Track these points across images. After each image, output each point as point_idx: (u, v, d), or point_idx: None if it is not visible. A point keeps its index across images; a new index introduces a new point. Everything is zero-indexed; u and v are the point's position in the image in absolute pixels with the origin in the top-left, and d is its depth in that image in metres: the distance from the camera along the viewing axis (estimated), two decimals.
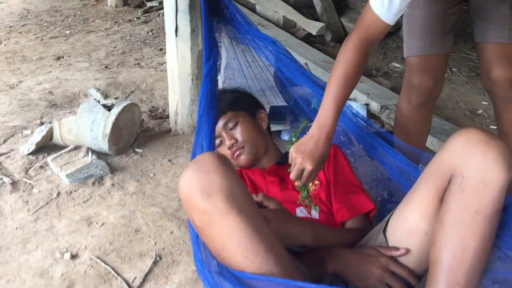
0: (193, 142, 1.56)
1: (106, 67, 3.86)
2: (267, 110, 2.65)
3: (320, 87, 1.82)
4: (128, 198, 2.18)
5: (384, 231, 1.35)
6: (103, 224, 2.02)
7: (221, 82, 3.04)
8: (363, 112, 2.94)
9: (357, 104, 2.99)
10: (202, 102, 1.68)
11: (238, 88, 1.96)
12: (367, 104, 2.92)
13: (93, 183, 2.28)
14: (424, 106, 1.93)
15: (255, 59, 2.18)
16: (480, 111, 3.31)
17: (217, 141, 1.79)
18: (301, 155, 1.44)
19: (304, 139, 1.49)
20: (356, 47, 1.48)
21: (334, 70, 1.53)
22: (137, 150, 2.59)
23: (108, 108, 2.47)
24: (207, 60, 1.83)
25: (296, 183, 1.60)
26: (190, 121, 2.73)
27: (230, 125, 1.77)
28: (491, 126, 3.06)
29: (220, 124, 1.77)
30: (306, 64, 3.53)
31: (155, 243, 1.91)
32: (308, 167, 1.43)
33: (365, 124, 1.81)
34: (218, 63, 1.90)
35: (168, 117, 2.94)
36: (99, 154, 2.48)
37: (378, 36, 1.51)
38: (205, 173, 1.08)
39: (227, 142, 1.75)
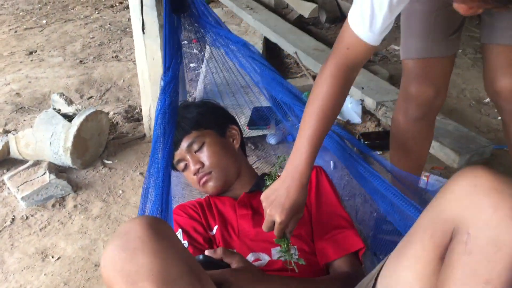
0: (145, 178, 1.30)
1: (81, 61, 3.57)
2: (250, 112, 2.39)
3: (298, 99, 1.55)
4: (91, 224, 1.93)
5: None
6: (59, 258, 1.78)
7: (203, 77, 2.79)
8: (357, 109, 2.66)
9: (351, 99, 2.71)
10: (158, 123, 1.42)
11: (205, 101, 1.69)
12: (361, 100, 2.63)
13: (53, 205, 2.03)
14: (424, 120, 1.64)
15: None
16: (487, 100, 3.02)
17: (181, 165, 1.53)
18: (270, 204, 1.20)
19: (275, 185, 1.23)
20: (334, 76, 1.21)
21: (309, 104, 1.25)
22: (106, 162, 2.33)
23: (70, 118, 2.20)
24: (166, 71, 1.57)
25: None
26: None
27: (195, 146, 1.50)
28: (499, 118, 2.78)
29: (184, 145, 1.50)
30: (296, 53, 3.24)
31: None
32: (278, 219, 1.18)
33: (353, 148, 1.54)
34: (178, 72, 1.62)
35: None
36: (62, 169, 2.23)
37: (360, 60, 1.25)
38: (131, 253, 0.82)
39: (192, 167, 1.49)
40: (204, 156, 1.50)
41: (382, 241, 1.65)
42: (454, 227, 0.92)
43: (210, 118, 1.57)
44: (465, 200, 0.91)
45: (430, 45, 1.54)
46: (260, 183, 1.51)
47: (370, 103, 2.49)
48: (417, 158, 1.74)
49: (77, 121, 2.15)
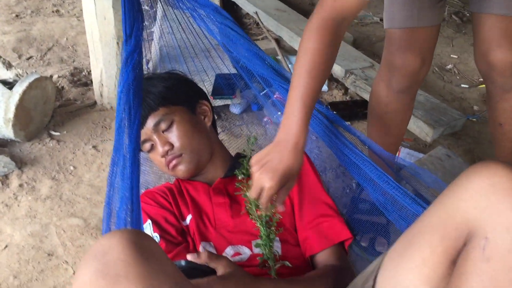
0: (109, 170, 1.12)
1: (17, 16, 3.21)
2: (212, 79, 2.21)
3: (278, 73, 1.40)
4: (40, 206, 1.74)
5: None
6: (6, 246, 1.58)
7: (157, 38, 2.56)
8: None
9: None
10: (122, 102, 1.24)
11: (171, 72, 1.50)
12: None
13: None
14: (408, 92, 1.55)
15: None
16: (449, 66, 2.99)
17: (147, 145, 1.35)
18: (260, 168, 1.08)
19: (267, 148, 1.12)
20: (320, 29, 1.12)
21: (297, 61, 1.15)
22: (54, 133, 2.10)
23: (10, 85, 1.95)
24: (128, 38, 1.36)
25: (250, 215, 1.22)
26: None
27: (163, 125, 1.32)
28: (462, 85, 2.76)
29: (150, 124, 1.32)
30: (256, 13, 3.05)
31: (74, 272, 1.50)
32: (267, 184, 1.06)
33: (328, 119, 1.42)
34: (141, 39, 1.42)
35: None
36: (3, 143, 2.00)
37: (348, 14, 1.15)
38: (113, 281, 0.67)
39: (160, 149, 1.32)
40: (174, 136, 1.32)
41: (359, 221, 1.58)
42: (469, 230, 0.84)
43: (179, 93, 1.39)
44: (481, 201, 0.82)
45: (416, 14, 1.43)
46: (235, 165, 1.37)
47: (337, 70, 2.38)
48: (397, 132, 1.66)
49: (19, 89, 1.90)
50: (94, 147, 2.04)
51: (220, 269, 0.98)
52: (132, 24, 1.36)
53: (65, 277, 1.49)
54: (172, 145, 1.32)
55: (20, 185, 1.82)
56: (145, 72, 1.68)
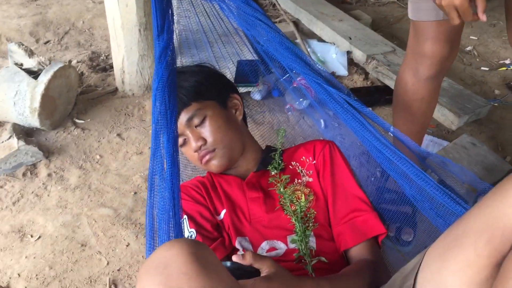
0: (149, 169, 1.13)
1: None
2: (234, 66, 2.20)
3: (313, 70, 1.39)
4: (70, 195, 1.76)
5: None
6: (39, 237, 1.61)
7: (175, 21, 2.54)
8: (343, 60, 2.53)
9: (336, 49, 2.56)
10: (158, 100, 1.23)
11: (202, 65, 1.49)
12: (349, 52, 2.49)
13: (24, 174, 1.83)
14: (436, 79, 1.54)
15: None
16: (468, 48, 2.96)
17: (180, 140, 1.35)
18: None
19: None
20: None
21: None
22: (78, 121, 2.11)
23: (34, 74, 1.95)
24: (160, 33, 1.35)
25: (285, 210, 1.24)
26: (140, 80, 2.25)
27: (196, 121, 1.33)
28: (482, 68, 2.73)
29: (182, 119, 1.33)
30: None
31: (107, 263, 1.54)
32: (457, 1, 1.14)
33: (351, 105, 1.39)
34: (173, 33, 1.41)
35: (112, 67, 2.43)
36: (29, 132, 2.01)
37: None
38: None
39: (193, 144, 1.32)
40: (207, 131, 1.33)
41: (385, 210, 1.59)
42: None
43: (211, 87, 1.39)
44: None
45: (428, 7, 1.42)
46: (266, 159, 1.38)
47: (359, 55, 2.36)
48: (423, 120, 1.66)
49: (44, 79, 1.90)
50: (118, 135, 2.05)
51: (265, 270, 1.00)
52: (164, 18, 1.35)
53: (99, 267, 1.52)
54: (205, 140, 1.32)
55: (49, 175, 1.84)
56: None
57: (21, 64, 2.00)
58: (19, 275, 1.48)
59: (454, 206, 1.12)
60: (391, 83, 2.18)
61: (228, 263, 0.99)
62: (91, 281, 1.47)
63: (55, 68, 1.94)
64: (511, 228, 0.85)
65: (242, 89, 2.19)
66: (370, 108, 2.30)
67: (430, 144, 2.09)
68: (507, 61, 2.77)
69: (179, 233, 1.06)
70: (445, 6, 1.17)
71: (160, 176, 1.10)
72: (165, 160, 1.12)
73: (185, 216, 1.27)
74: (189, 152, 1.36)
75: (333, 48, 2.57)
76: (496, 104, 2.34)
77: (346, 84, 2.46)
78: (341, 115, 1.34)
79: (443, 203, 1.15)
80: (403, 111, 1.65)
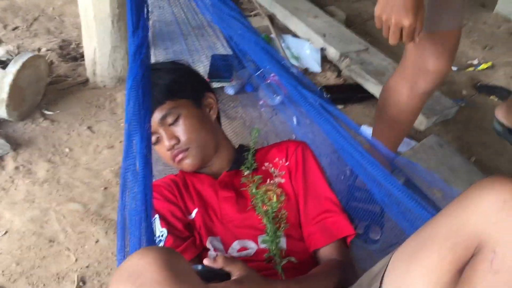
0: (121, 169, 1.12)
1: None
2: (208, 61, 2.19)
3: (287, 71, 1.40)
4: (38, 190, 1.73)
5: None
6: (6, 232, 1.58)
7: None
8: (317, 57, 2.54)
9: (310, 45, 2.57)
10: (131, 100, 1.22)
11: (177, 63, 1.48)
12: (323, 49, 2.51)
13: None
14: (431, 92, 1.56)
15: None
16: None
17: (153, 138, 1.34)
18: (391, 13, 1.17)
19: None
20: None
21: None
22: (47, 112, 2.07)
23: (2, 64, 1.90)
24: (135, 30, 1.33)
25: (257, 211, 1.26)
26: (112, 72, 2.22)
27: (170, 119, 1.32)
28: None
29: (156, 117, 1.32)
30: None
31: (76, 259, 1.52)
32: (406, 22, 1.17)
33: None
34: (148, 30, 1.39)
35: (83, 56, 2.38)
36: None
37: None
38: None
39: (167, 143, 1.32)
40: (180, 130, 1.32)
41: (354, 208, 1.62)
42: (479, 243, 0.88)
43: (185, 86, 1.38)
44: (492, 216, 0.86)
45: (460, 15, 1.43)
46: (240, 159, 1.39)
47: (332, 53, 2.38)
48: (407, 128, 1.69)
49: (12, 69, 1.85)
50: (89, 127, 2.02)
51: (235, 273, 1.01)
52: (139, 15, 1.33)
53: (67, 264, 1.50)
54: (178, 139, 1.32)
55: (16, 168, 1.80)
56: None
57: None
58: None
59: (420, 210, 1.16)
60: (362, 82, 2.21)
61: (199, 267, 1.00)
62: (59, 278, 1.46)
63: (25, 58, 1.89)
64: (474, 236, 0.89)
65: (216, 84, 2.18)
66: (342, 106, 2.34)
67: (403, 145, 2.13)
68: (475, 61, 2.83)
69: (150, 235, 1.06)
70: (394, 25, 1.17)
71: (133, 177, 1.10)
72: (137, 161, 1.12)
73: (156, 216, 1.27)
74: (162, 150, 1.36)
75: (308, 44, 2.58)
76: (463, 105, 2.39)
77: (319, 81, 2.48)
78: (314, 117, 1.36)
79: (410, 207, 1.18)
80: (391, 120, 1.63)
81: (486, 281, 0.87)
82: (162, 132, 1.32)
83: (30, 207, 1.66)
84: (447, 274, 0.93)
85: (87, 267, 1.50)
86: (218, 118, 1.49)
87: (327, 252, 1.27)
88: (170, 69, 1.42)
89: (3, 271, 1.46)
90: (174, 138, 1.32)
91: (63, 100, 2.15)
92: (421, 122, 1.98)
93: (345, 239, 1.30)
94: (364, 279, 1.13)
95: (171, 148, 1.32)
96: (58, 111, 2.08)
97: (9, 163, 1.81)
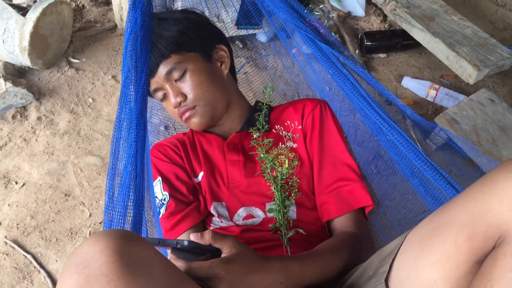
0: (114, 127, 1.04)
1: None
2: (237, 7, 2.04)
3: (303, 19, 1.24)
4: (58, 142, 1.70)
5: (387, 280, 0.94)
6: (24, 184, 1.58)
7: None
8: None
9: None
10: (128, 50, 1.12)
11: (187, 11, 1.35)
12: None
13: (14, 117, 1.78)
14: None
15: None
16: None
17: (159, 94, 1.25)
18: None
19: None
20: None
21: None
22: (73, 60, 2.02)
23: (24, 10, 1.84)
24: None
25: (265, 177, 1.15)
26: None
27: (176, 74, 1.21)
28: None
29: (161, 72, 1.21)
30: None
31: (90, 215, 1.50)
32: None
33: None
34: None
35: None
36: (22, 70, 1.93)
37: None
38: None
39: (172, 100, 1.22)
40: (187, 86, 1.21)
41: None
42: (501, 234, 0.74)
43: (194, 37, 1.25)
44: None
45: None
46: (253, 118, 1.27)
47: None
48: None
49: (32, 16, 1.79)
50: (113, 77, 1.96)
51: (225, 250, 0.92)
52: None
53: (81, 219, 1.49)
54: (185, 96, 1.21)
55: (38, 118, 1.78)
56: (159, 8, 1.55)
57: (10, 0, 1.89)
58: (0, 223, 1.46)
59: (444, 185, 1.02)
60: (408, 28, 1.99)
61: (186, 243, 0.92)
62: (71, 233, 1.45)
63: (45, 5, 1.82)
64: (496, 226, 0.75)
65: (244, 31, 2.04)
66: (385, 54, 2.14)
67: (445, 97, 1.94)
68: None
69: (138, 197, 0.98)
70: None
71: (127, 135, 1.02)
72: (131, 117, 1.04)
73: (159, 178, 1.20)
74: (169, 107, 1.26)
75: None
76: None
77: (362, 26, 2.27)
78: (332, 74, 1.21)
79: (433, 180, 1.04)
80: None
81: (507, 278, 0.74)
82: (168, 88, 1.22)
83: (49, 160, 1.64)
84: (464, 265, 0.81)
85: (100, 223, 1.47)
86: (232, 72, 1.36)
87: (341, 223, 1.16)
88: (177, 19, 1.29)
89: (17, 224, 1.46)
90: (180, 95, 1.21)
91: (90, 48, 2.09)
92: (470, 75, 1.76)
93: (363, 210, 1.18)
94: (375, 257, 1.02)
95: (178, 105, 1.22)
96: (84, 59, 2.03)
97: (32, 113, 1.79)
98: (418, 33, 1.96)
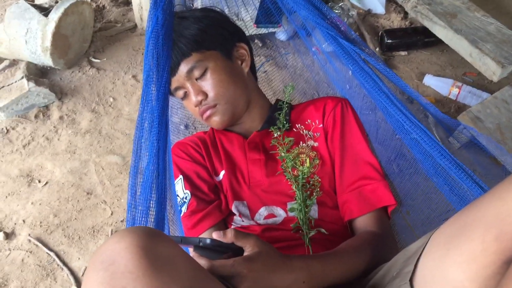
0: (136, 124, 1.04)
1: None
2: (257, 5, 2.03)
3: (324, 16, 1.23)
4: (80, 141, 1.72)
5: (411, 280, 0.93)
6: (46, 183, 1.59)
7: None
8: None
9: None
10: (149, 49, 1.12)
11: (207, 9, 1.35)
12: None
13: (36, 116, 1.80)
14: None
15: None
16: None
17: (180, 93, 1.25)
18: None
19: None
20: None
21: None
22: (94, 60, 2.04)
23: (46, 11, 1.86)
24: None
25: (286, 176, 1.14)
26: None
27: (197, 73, 1.21)
28: None
29: (182, 70, 1.21)
30: None
31: (112, 213, 1.51)
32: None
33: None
34: None
35: None
36: (44, 70, 1.96)
37: None
38: None
39: (193, 99, 1.22)
40: (208, 85, 1.21)
41: None
42: None
43: (214, 36, 1.25)
44: None
45: None
46: (273, 117, 1.27)
47: None
48: None
49: (54, 17, 1.81)
50: (133, 76, 1.97)
51: (248, 249, 0.92)
52: None
53: (103, 217, 1.50)
54: (206, 95, 1.21)
55: (60, 117, 1.80)
56: (179, 7, 1.55)
57: (33, 0, 1.92)
58: (24, 221, 1.48)
59: (470, 184, 1.00)
60: (430, 25, 1.96)
61: (208, 241, 0.92)
62: (94, 231, 1.46)
63: (66, 5, 1.84)
64: None
65: (264, 30, 2.04)
66: (406, 52, 2.11)
67: (468, 95, 1.91)
68: None
69: (161, 196, 0.99)
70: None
71: (149, 134, 1.03)
72: (153, 115, 1.04)
73: (180, 176, 1.20)
74: (190, 106, 1.26)
75: None
76: None
77: (382, 24, 2.25)
78: (354, 71, 1.20)
79: (459, 180, 1.02)
80: None
81: None
82: (189, 86, 1.22)
83: (71, 158, 1.66)
84: (491, 265, 0.79)
85: (121, 221, 1.48)
86: (252, 71, 1.36)
87: (363, 223, 1.15)
88: (197, 17, 1.29)
89: (41, 222, 1.48)
90: (201, 93, 1.21)
91: (111, 47, 2.10)
92: (494, 72, 1.73)
93: (386, 209, 1.17)
94: (399, 258, 1.00)
95: (199, 104, 1.22)
96: (105, 59, 2.04)
97: (54, 113, 1.81)
98: (440, 30, 1.93)
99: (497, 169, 1.32)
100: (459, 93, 1.90)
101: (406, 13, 2.24)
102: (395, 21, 2.24)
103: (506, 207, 0.76)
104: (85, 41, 2.04)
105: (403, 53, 2.10)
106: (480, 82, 2.00)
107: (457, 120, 1.64)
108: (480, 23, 1.93)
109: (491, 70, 1.76)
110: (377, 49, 2.10)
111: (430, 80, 1.98)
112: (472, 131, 1.17)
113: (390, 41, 2.08)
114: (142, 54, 2.07)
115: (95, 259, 0.66)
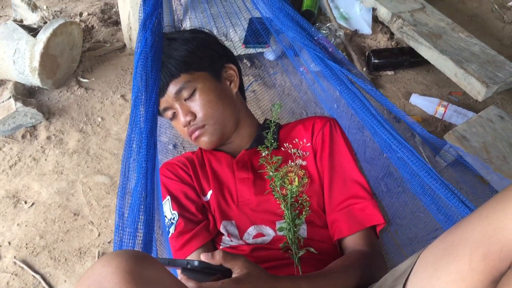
0: (123, 150, 1.04)
1: None
2: (245, 26, 2.06)
3: (311, 37, 1.25)
4: (67, 161, 1.71)
5: None
6: (33, 204, 1.58)
7: None
8: (367, 17, 2.33)
9: (361, 5, 2.36)
10: (138, 71, 1.13)
11: (196, 31, 1.36)
12: (374, 8, 2.29)
13: (23, 136, 1.79)
14: None
15: None
16: (510, 3, 2.69)
17: (169, 113, 1.26)
18: None
19: None
20: None
21: None
22: (82, 80, 2.04)
23: (34, 31, 1.86)
24: None
25: (275, 195, 1.15)
26: None
27: (185, 94, 1.21)
28: None
29: (171, 91, 1.22)
30: None
31: (99, 234, 1.49)
32: None
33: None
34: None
35: None
36: (32, 90, 1.95)
37: None
38: None
39: (182, 119, 1.22)
40: (196, 105, 1.22)
41: None
42: None
43: (203, 57, 1.26)
44: None
45: None
46: (262, 136, 1.27)
47: (383, 13, 2.16)
48: None
49: (43, 37, 1.81)
50: (122, 96, 1.97)
51: (236, 270, 0.92)
52: None
53: (90, 238, 1.48)
54: (194, 115, 1.22)
55: (48, 138, 1.79)
56: (168, 28, 1.56)
57: (21, 21, 1.92)
58: (9, 243, 1.46)
59: (457, 203, 1.00)
60: (416, 46, 2.00)
61: (196, 263, 0.91)
62: (80, 253, 1.44)
63: (55, 26, 1.84)
64: (511, 245, 0.74)
65: (253, 50, 2.05)
66: (392, 72, 2.14)
67: (453, 114, 1.93)
68: None
69: (148, 217, 0.98)
70: None
71: (137, 155, 1.03)
72: (141, 137, 1.04)
73: (168, 197, 1.20)
74: (178, 126, 1.27)
75: (358, 4, 2.37)
76: None
77: (369, 44, 2.28)
78: (341, 91, 1.21)
79: (445, 199, 1.02)
80: None
81: None
82: (177, 107, 1.23)
83: (58, 179, 1.64)
84: (479, 284, 0.79)
85: (109, 242, 1.47)
86: (241, 91, 1.37)
87: (352, 242, 1.15)
88: (186, 38, 1.30)
89: (26, 244, 1.46)
90: (190, 114, 1.22)
91: (99, 67, 2.11)
92: (479, 92, 1.76)
93: (374, 229, 1.17)
94: (388, 277, 1.00)
95: (187, 124, 1.23)
96: (93, 79, 2.04)
97: (42, 133, 1.80)
98: (426, 51, 1.96)
99: (484, 187, 1.33)
100: (445, 112, 1.92)
101: (392, 34, 2.27)
102: (382, 41, 2.27)
103: (492, 226, 0.76)
104: (74, 61, 2.04)
105: (389, 72, 2.13)
106: (466, 101, 2.03)
107: (443, 140, 1.66)
108: (464, 44, 1.97)
109: (476, 89, 1.78)
110: (364, 69, 2.12)
111: (416, 100, 2.00)
112: (458, 150, 1.18)
113: (377, 61, 2.11)
114: (131, 74, 2.08)
115: (82, 282, 0.66)
